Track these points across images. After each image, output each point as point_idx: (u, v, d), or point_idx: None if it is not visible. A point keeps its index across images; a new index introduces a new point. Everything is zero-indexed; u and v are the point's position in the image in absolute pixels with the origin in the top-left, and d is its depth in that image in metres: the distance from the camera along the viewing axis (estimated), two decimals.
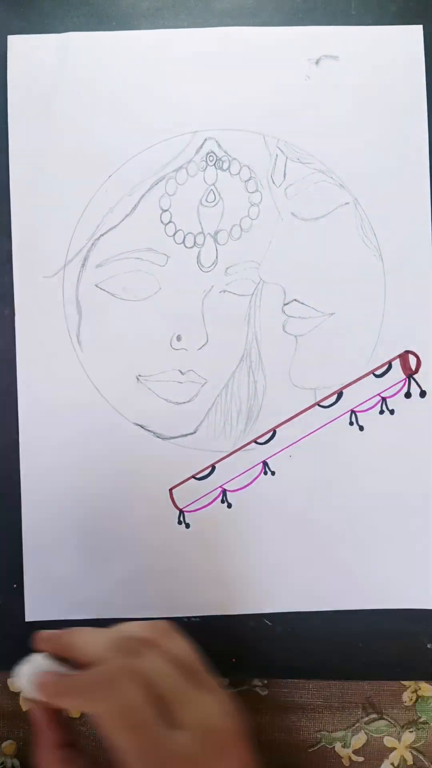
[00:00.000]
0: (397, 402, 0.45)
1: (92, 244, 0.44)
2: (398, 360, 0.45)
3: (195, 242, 0.44)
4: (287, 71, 0.44)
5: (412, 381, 0.45)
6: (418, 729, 0.45)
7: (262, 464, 0.45)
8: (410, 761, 0.45)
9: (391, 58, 0.44)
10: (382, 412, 0.45)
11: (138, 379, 0.45)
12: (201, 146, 0.44)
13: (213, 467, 0.45)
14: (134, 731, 0.28)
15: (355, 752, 0.45)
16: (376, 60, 0.44)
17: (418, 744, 0.45)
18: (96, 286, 0.45)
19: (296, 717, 0.45)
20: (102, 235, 0.44)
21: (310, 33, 0.44)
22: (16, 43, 0.44)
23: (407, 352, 0.45)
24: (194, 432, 0.45)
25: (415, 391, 0.45)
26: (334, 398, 0.45)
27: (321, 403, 0.45)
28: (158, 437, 0.45)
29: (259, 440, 0.45)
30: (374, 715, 0.45)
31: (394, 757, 0.45)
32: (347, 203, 0.45)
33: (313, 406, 0.45)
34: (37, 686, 0.32)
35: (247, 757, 0.30)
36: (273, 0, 0.45)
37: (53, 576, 0.45)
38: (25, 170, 0.44)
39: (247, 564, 0.45)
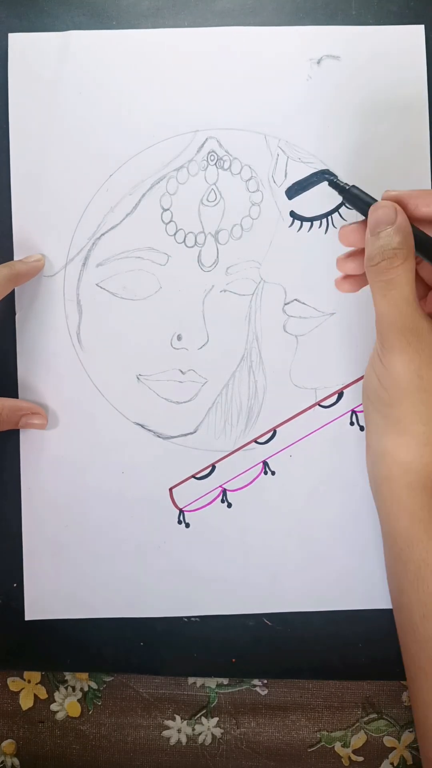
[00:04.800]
0: None
1: (93, 243, 0.44)
2: None
3: (196, 241, 0.44)
4: (288, 71, 0.44)
5: None
6: None
7: (262, 464, 0.45)
8: (410, 761, 0.45)
9: (392, 58, 0.44)
10: None
11: (138, 378, 0.45)
12: (202, 146, 0.44)
13: (213, 467, 0.45)
14: None
15: (355, 752, 0.45)
16: (377, 60, 0.44)
17: (418, 744, 0.45)
18: (97, 285, 0.45)
19: (296, 717, 0.45)
20: (103, 234, 0.44)
21: (311, 33, 0.44)
22: (17, 41, 0.44)
23: None
24: (194, 431, 0.45)
25: None
26: (334, 398, 0.45)
27: (321, 403, 0.45)
28: (158, 437, 0.45)
29: (259, 440, 0.45)
30: (374, 715, 0.45)
31: (393, 757, 0.45)
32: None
33: (313, 405, 0.45)
34: None
35: None
36: (273, 0, 0.45)
37: (53, 576, 0.45)
38: (26, 169, 0.44)
39: (247, 564, 0.45)
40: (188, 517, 0.45)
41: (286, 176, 0.44)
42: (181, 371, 0.45)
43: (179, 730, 0.45)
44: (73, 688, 0.46)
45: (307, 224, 0.45)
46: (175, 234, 0.44)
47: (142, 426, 0.45)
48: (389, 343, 0.36)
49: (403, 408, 0.36)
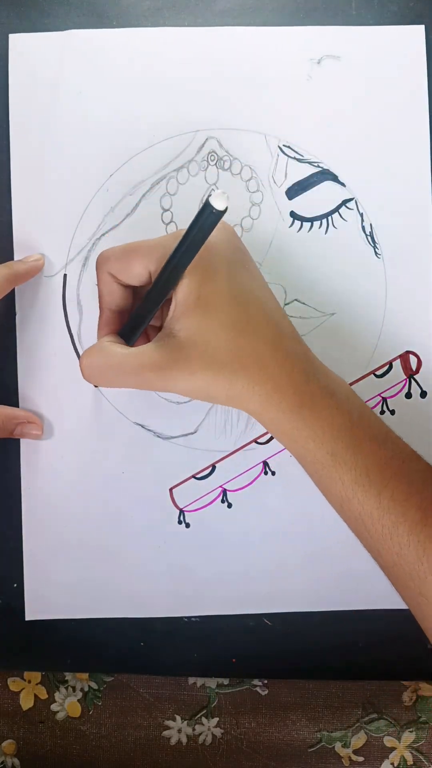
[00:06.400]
0: (397, 402, 0.45)
1: (93, 243, 0.44)
2: (399, 360, 0.45)
3: None
4: (289, 71, 0.44)
5: (413, 381, 0.45)
6: (418, 729, 0.45)
7: (262, 464, 0.45)
8: (410, 761, 0.45)
9: (392, 58, 0.44)
10: (382, 412, 0.45)
11: None
12: (202, 146, 0.44)
13: (213, 467, 0.45)
14: None
15: (355, 752, 0.45)
16: (377, 60, 0.44)
17: (418, 744, 0.45)
18: (97, 285, 0.44)
19: (296, 717, 0.45)
20: (103, 234, 0.44)
21: (311, 33, 0.44)
22: (17, 41, 0.44)
23: (408, 352, 0.45)
24: (195, 432, 0.45)
25: (415, 391, 0.45)
26: None
27: None
28: (158, 437, 0.45)
29: (259, 440, 0.45)
30: (374, 715, 0.45)
31: (394, 757, 0.45)
32: (348, 203, 0.45)
33: None
34: None
35: None
36: (273, 0, 0.45)
37: (53, 576, 0.44)
38: (26, 169, 0.44)
39: (247, 564, 0.45)
40: (188, 517, 0.45)
41: (286, 176, 0.44)
42: None
43: (179, 730, 0.45)
44: (74, 688, 0.46)
45: (307, 224, 0.45)
46: None
47: (142, 426, 0.45)
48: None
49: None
